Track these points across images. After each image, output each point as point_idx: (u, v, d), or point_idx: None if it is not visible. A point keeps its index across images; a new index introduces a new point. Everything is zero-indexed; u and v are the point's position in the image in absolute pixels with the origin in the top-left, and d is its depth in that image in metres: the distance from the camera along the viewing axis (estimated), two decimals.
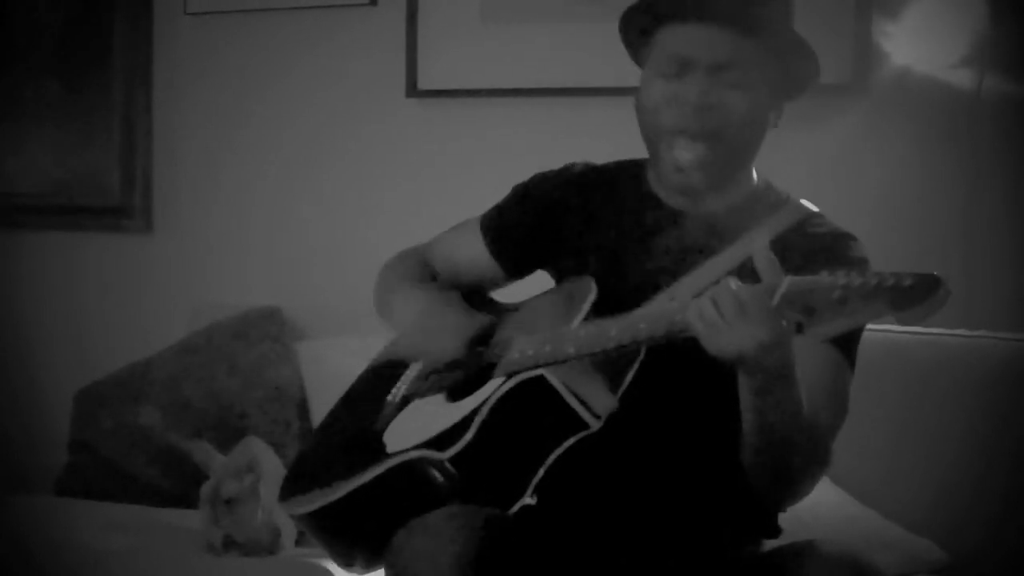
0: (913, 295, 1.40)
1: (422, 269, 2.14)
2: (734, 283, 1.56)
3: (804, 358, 1.65)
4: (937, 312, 1.41)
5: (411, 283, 2.08)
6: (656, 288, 1.85)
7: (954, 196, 2.85)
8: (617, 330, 1.70)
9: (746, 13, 1.82)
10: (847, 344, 1.78)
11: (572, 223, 2.00)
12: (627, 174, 2.01)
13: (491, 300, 2.13)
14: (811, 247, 1.83)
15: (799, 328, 1.49)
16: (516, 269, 2.10)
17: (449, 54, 3.26)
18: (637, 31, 1.92)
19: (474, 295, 2.13)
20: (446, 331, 1.96)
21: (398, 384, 2.00)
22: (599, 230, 1.98)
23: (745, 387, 1.64)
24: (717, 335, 1.56)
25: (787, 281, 1.50)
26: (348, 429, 2.05)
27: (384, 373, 2.05)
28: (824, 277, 1.47)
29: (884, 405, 2.60)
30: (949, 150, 2.85)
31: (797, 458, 1.71)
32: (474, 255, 2.10)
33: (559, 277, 2.04)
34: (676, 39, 1.84)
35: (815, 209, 1.92)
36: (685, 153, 1.85)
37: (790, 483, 1.76)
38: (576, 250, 1.99)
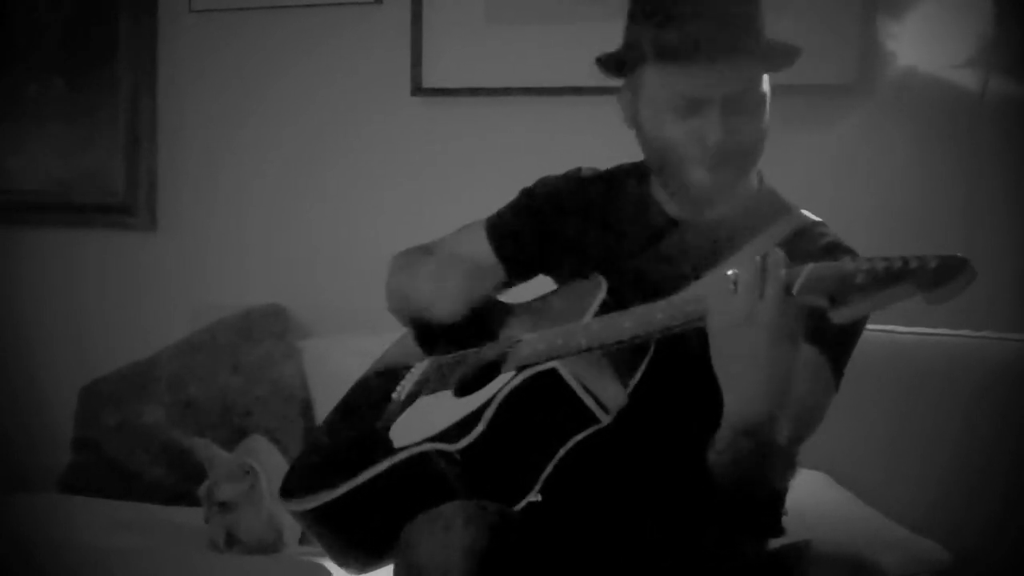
0: (939, 275, 1.39)
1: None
2: (759, 259, 1.55)
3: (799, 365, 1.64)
4: (963, 292, 1.40)
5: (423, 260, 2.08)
6: (660, 297, 1.85)
7: (958, 196, 2.85)
8: (632, 322, 1.69)
9: (746, 42, 1.80)
10: (839, 364, 1.78)
11: (577, 229, 2.01)
12: (632, 180, 2.01)
13: (498, 300, 2.13)
14: (810, 257, 1.83)
15: (823, 311, 1.48)
16: (520, 272, 2.10)
17: (453, 53, 3.26)
18: (626, 64, 1.91)
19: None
20: (456, 283, 1.96)
21: (403, 382, 2.00)
22: (604, 237, 1.98)
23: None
24: (728, 307, 1.55)
25: (809, 267, 1.50)
26: (352, 426, 2.05)
27: (388, 373, 2.06)
28: (847, 263, 1.47)
29: (887, 405, 2.60)
30: (953, 150, 2.85)
31: (764, 464, 1.69)
32: (479, 257, 2.11)
33: (563, 283, 2.04)
34: (683, 80, 1.81)
35: (817, 219, 1.92)
36: (705, 179, 1.84)
37: (752, 480, 1.75)
38: (580, 256, 1.99)
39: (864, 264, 1.45)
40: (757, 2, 1.85)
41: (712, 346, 1.57)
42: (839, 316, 1.48)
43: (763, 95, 1.85)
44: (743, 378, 1.56)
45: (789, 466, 1.71)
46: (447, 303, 1.97)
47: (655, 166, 1.92)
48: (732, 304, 1.54)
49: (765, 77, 1.86)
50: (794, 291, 1.50)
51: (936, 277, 1.40)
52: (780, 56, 1.86)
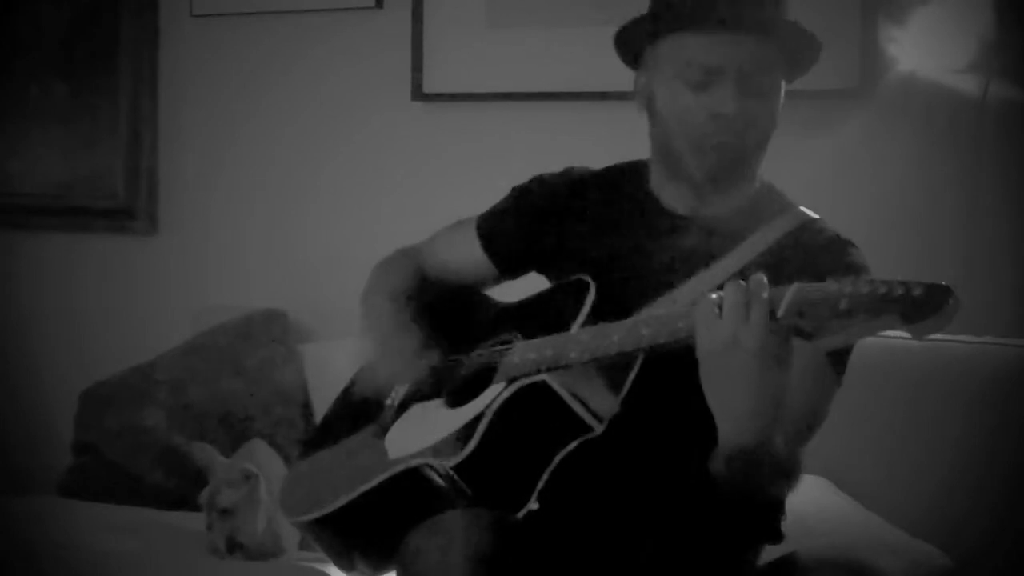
0: (923, 306, 1.38)
1: (412, 272, 2.14)
2: (743, 283, 1.55)
3: (797, 362, 1.64)
4: (947, 325, 1.39)
5: (386, 296, 2.09)
6: (656, 293, 1.85)
7: (959, 200, 2.84)
8: (619, 335, 1.69)
9: (763, 18, 1.81)
10: (840, 358, 1.77)
11: (570, 226, 2.01)
12: (628, 177, 2.01)
13: (486, 298, 2.13)
14: (810, 252, 1.83)
15: (807, 338, 1.48)
16: (510, 269, 2.11)
17: (454, 58, 3.26)
18: (645, 37, 1.91)
19: (468, 293, 2.13)
20: (399, 359, 1.99)
21: (396, 387, 2.00)
22: (598, 234, 1.98)
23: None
24: (713, 331, 1.55)
25: (794, 289, 1.49)
26: (347, 433, 2.05)
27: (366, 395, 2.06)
28: (830, 285, 1.45)
29: (888, 409, 2.60)
30: (954, 155, 2.85)
31: (766, 471, 1.69)
32: (469, 254, 2.11)
33: (555, 280, 2.04)
34: (700, 48, 1.81)
35: (815, 215, 1.91)
36: (715, 160, 1.84)
37: (759, 482, 1.74)
38: (573, 254, 1.98)
39: (848, 287, 1.43)
40: None
41: (701, 370, 1.57)
42: (824, 344, 1.48)
43: (776, 84, 1.86)
44: (733, 403, 1.55)
45: (792, 475, 1.71)
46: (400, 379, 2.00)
47: (662, 151, 1.91)
48: (717, 328, 1.53)
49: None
50: (779, 314, 1.49)
51: (920, 307, 1.39)
52: (797, 42, 1.86)
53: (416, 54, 3.30)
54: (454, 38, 3.26)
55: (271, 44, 3.48)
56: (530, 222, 2.05)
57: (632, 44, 1.93)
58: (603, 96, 3.06)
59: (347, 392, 2.16)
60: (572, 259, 1.97)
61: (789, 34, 1.85)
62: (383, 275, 2.15)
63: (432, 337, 2.02)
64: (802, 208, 1.92)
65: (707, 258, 1.86)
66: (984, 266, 2.78)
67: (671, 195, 1.94)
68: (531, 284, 2.06)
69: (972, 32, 2.78)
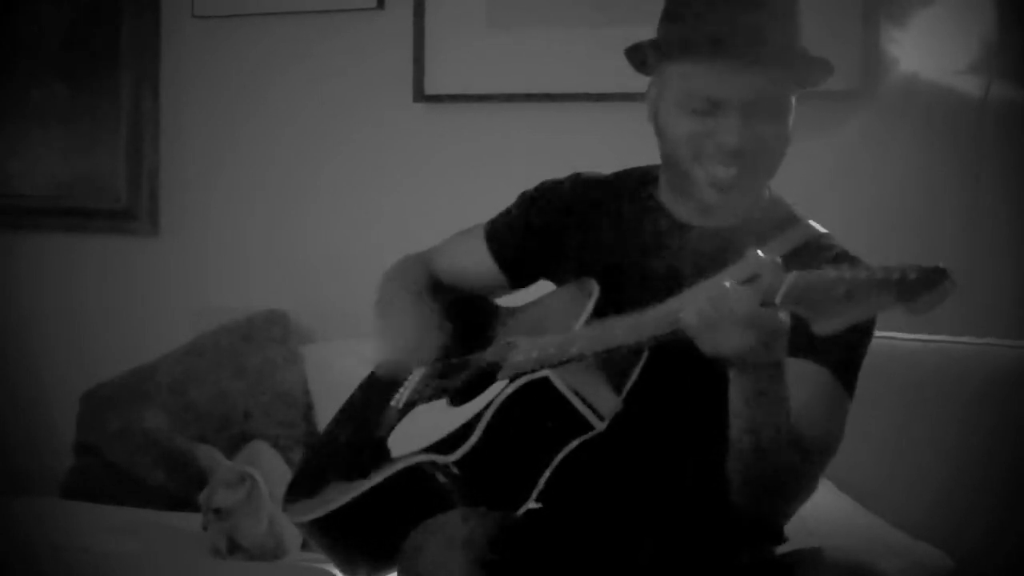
0: (919, 287, 1.39)
1: (423, 276, 2.14)
2: (730, 284, 1.56)
3: (800, 382, 1.64)
4: (944, 302, 1.39)
5: (403, 294, 2.08)
6: (660, 300, 1.85)
7: (960, 201, 2.84)
8: (622, 330, 1.70)
9: (770, 48, 1.80)
10: (846, 373, 1.77)
11: (577, 233, 2.00)
12: (635, 184, 2.00)
13: (492, 303, 2.13)
14: (815, 266, 1.83)
15: (806, 323, 1.48)
16: (520, 278, 2.10)
17: (456, 59, 3.26)
18: (650, 60, 1.90)
19: (478, 300, 2.13)
20: (415, 342, 2.00)
21: (401, 390, 2.01)
22: (605, 241, 1.97)
23: (736, 390, 1.63)
24: (711, 334, 1.55)
25: (791, 277, 1.49)
26: (352, 435, 2.05)
27: (385, 380, 2.06)
28: (828, 272, 1.46)
29: (890, 411, 2.60)
30: (955, 156, 2.85)
31: (781, 469, 1.69)
32: (478, 262, 2.10)
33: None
34: (704, 79, 1.80)
35: (824, 230, 1.91)
36: (722, 182, 1.83)
37: (772, 496, 1.74)
38: (581, 261, 1.98)
39: (846, 273, 1.44)
40: (790, 13, 1.84)
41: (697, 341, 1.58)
42: (821, 328, 1.48)
43: (786, 106, 1.84)
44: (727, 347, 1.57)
45: (806, 492, 1.72)
46: (414, 359, 2.01)
47: (669, 165, 1.91)
48: (713, 337, 1.55)
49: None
50: (777, 300, 1.50)
51: (916, 289, 1.39)
52: (807, 70, 1.85)
53: (417, 55, 3.30)
54: (455, 39, 3.26)
55: (272, 45, 3.48)
56: (538, 229, 2.04)
57: (641, 62, 1.93)
58: (604, 97, 3.06)
59: (350, 403, 2.16)
60: (578, 265, 1.97)
61: (797, 62, 1.84)
62: (396, 276, 2.14)
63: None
64: (811, 222, 1.91)
65: (712, 268, 1.86)
66: (984, 267, 2.78)
67: (678, 205, 1.93)
68: (539, 289, 2.06)
69: (973, 33, 2.79)
